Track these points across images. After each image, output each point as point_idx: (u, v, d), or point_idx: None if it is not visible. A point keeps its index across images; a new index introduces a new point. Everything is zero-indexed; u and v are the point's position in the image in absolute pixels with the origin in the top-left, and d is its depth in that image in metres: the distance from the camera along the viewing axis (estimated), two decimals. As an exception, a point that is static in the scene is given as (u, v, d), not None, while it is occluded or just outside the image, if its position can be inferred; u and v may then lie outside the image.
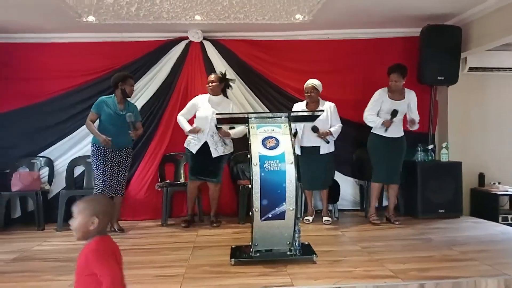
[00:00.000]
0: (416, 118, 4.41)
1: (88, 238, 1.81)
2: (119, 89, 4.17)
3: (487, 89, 5.31)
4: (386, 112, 4.35)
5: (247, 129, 3.26)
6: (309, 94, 4.45)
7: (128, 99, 4.32)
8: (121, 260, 1.86)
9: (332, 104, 4.52)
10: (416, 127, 4.43)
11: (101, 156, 4.14)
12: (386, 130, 4.33)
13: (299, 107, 4.54)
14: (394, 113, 4.28)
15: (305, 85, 4.48)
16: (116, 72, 4.73)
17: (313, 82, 4.46)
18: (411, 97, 4.43)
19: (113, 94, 4.25)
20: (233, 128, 4.44)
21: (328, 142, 4.38)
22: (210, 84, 4.43)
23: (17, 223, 4.82)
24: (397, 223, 4.41)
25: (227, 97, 4.69)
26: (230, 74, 5.07)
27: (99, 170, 4.14)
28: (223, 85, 4.52)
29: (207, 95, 4.50)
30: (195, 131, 4.33)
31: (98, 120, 4.21)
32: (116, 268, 1.76)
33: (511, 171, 5.21)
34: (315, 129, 4.32)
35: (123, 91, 4.17)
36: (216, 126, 4.25)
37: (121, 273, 1.79)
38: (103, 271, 1.71)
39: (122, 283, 1.77)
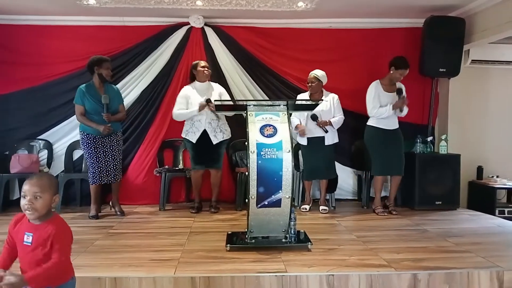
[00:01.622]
0: (406, 109, 4.39)
1: (46, 217, 1.85)
2: (96, 74, 4.09)
3: (489, 82, 5.28)
4: (385, 103, 4.35)
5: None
6: (310, 84, 4.45)
7: (108, 82, 4.22)
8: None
9: (335, 96, 4.52)
10: (404, 113, 4.40)
11: (91, 144, 4.10)
12: (401, 110, 4.33)
13: (303, 97, 4.54)
14: (399, 91, 4.30)
15: (309, 75, 4.48)
16: (115, 56, 4.74)
17: (315, 72, 4.45)
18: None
19: (91, 81, 4.16)
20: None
21: (326, 132, 4.37)
22: (208, 69, 4.41)
23: (16, 205, 4.82)
24: (394, 213, 4.43)
25: (219, 82, 4.67)
26: (231, 61, 5.08)
27: (91, 158, 4.12)
28: None
29: (192, 85, 4.45)
30: (203, 106, 4.22)
31: None
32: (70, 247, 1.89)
33: (510, 164, 5.21)
34: (314, 117, 4.32)
35: (100, 76, 4.08)
36: (206, 100, 4.21)
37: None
38: (62, 249, 1.81)
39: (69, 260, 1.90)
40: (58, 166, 4.93)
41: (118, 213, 4.32)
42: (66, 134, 4.99)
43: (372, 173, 4.57)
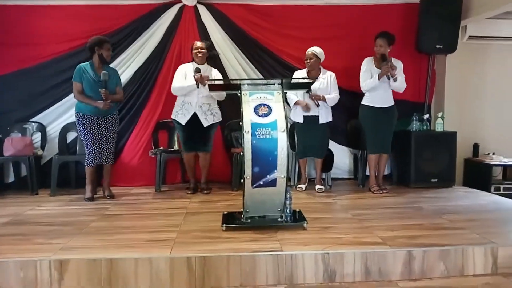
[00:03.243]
0: (402, 83, 4.32)
1: None
2: (96, 54, 4.04)
3: (486, 59, 5.24)
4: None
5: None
6: (308, 61, 4.41)
7: (108, 64, 4.18)
8: None
9: (333, 74, 4.49)
10: (398, 83, 4.28)
11: (87, 125, 4.07)
12: (388, 77, 4.23)
13: (300, 74, 4.49)
14: (383, 57, 4.22)
15: (306, 51, 4.43)
16: (107, 36, 4.63)
17: (313, 49, 4.40)
18: (398, 65, 4.35)
19: (91, 60, 4.11)
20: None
21: (318, 106, 4.34)
22: (201, 51, 4.33)
23: (11, 188, 4.82)
24: (385, 191, 4.44)
25: (213, 65, 4.57)
26: (225, 40, 4.99)
27: (87, 139, 4.09)
28: (207, 54, 4.43)
29: (190, 64, 4.40)
30: (202, 79, 4.12)
31: None
32: None
33: (506, 141, 5.21)
34: (307, 91, 4.28)
35: (100, 56, 4.04)
36: (196, 69, 4.15)
37: None
38: None
39: None
40: (52, 149, 4.89)
41: (108, 197, 4.29)
42: (59, 116, 4.93)
43: (367, 151, 4.55)
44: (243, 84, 3.23)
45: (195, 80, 4.14)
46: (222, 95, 4.40)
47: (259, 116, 3.11)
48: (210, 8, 4.97)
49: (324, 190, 4.52)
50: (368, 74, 4.36)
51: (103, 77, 3.99)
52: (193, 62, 4.40)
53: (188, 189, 4.54)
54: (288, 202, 3.21)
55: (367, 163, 4.64)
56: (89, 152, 4.11)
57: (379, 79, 4.25)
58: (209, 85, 3.47)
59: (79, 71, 4.05)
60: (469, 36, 5.05)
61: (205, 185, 4.58)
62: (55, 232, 3.14)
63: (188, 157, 4.51)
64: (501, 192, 4.77)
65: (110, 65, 4.37)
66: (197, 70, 4.14)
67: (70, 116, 4.86)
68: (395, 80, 4.24)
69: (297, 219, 3.25)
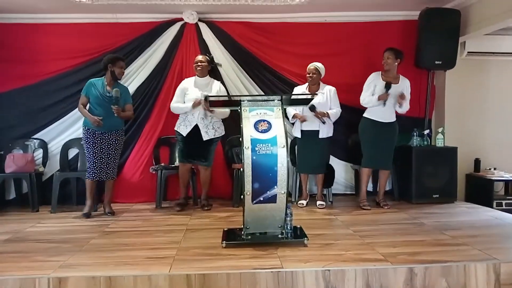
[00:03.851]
0: (406, 107, 4.37)
1: None
2: (109, 71, 4.12)
3: (486, 74, 5.25)
4: (380, 93, 4.32)
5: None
6: (311, 75, 4.43)
7: (119, 81, 4.27)
8: None
9: (332, 88, 4.51)
10: (404, 108, 4.37)
11: (90, 139, 4.11)
12: (384, 104, 4.28)
13: (300, 90, 4.54)
14: (388, 85, 4.24)
15: (308, 67, 4.47)
16: (109, 53, 4.69)
17: (316, 64, 4.45)
18: (405, 84, 4.40)
19: (103, 76, 4.21)
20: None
21: (324, 123, 4.36)
22: (200, 64, 4.38)
23: (12, 204, 4.83)
24: (386, 207, 4.42)
25: (215, 78, 4.59)
26: (226, 56, 5.05)
27: (90, 153, 4.13)
28: (210, 67, 4.48)
29: (193, 78, 4.45)
30: (197, 103, 4.23)
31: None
32: None
33: (507, 156, 5.19)
34: (312, 108, 4.29)
35: (112, 73, 4.11)
36: (205, 98, 4.18)
37: None
38: None
39: None
40: (54, 165, 4.91)
41: (108, 213, 4.28)
42: (61, 133, 4.96)
43: (361, 165, 4.54)
44: (243, 100, 3.25)
45: (203, 109, 4.23)
46: (225, 113, 4.40)
47: (259, 132, 3.12)
48: (211, 25, 5.04)
49: (325, 206, 4.51)
50: (370, 88, 4.38)
51: (115, 94, 4.06)
52: (196, 76, 4.44)
53: (177, 205, 4.47)
54: (288, 218, 3.20)
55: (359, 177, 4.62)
56: (90, 165, 4.14)
57: (378, 99, 4.28)
58: (210, 101, 3.49)
59: (88, 85, 4.15)
60: (468, 52, 5.08)
61: (205, 201, 4.56)
62: (55, 249, 3.13)
63: (183, 169, 4.48)
64: (503, 207, 4.72)
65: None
66: (206, 99, 4.16)
67: (72, 133, 4.90)
68: (400, 106, 4.31)
69: (298, 236, 3.23)
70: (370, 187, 4.94)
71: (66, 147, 4.91)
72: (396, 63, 4.34)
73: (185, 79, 4.56)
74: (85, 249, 3.13)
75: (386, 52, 4.36)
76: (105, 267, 2.72)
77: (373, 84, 4.38)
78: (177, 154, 4.53)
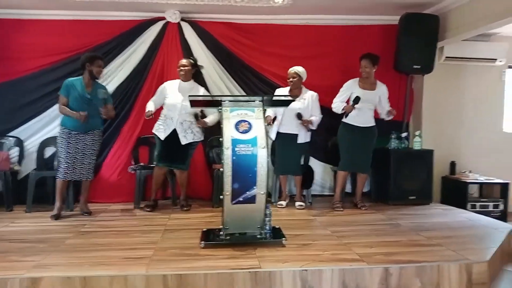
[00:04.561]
0: (393, 113, 4.45)
1: None
2: (87, 70, 4.04)
3: (462, 79, 5.37)
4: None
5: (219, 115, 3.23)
6: (291, 79, 4.46)
7: (98, 80, 4.19)
8: None
9: (314, 94, 4.54)
10: (391, 117, 4.47)
11: (65, 139, 4.02)
12: (346, 115, 4.34)
13: (282, 92, 4.56)
14: (356, 99, 4.28)
15: (288, 71, 4.49)
16: (89, 51, 4.64)
17: (296, 68, 4.47)
18: (382, 89, 4.46)
19: (81, 76, 4.11)
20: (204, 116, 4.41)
21: (309, 131, 4.41)
22: (182, 68, 4.35)
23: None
24: (363, 209, 4.48)
25: (198, 83, 4.54)
26: (208, 57, 5.03)
27: (63, 153, 4.04)
28: (194, 71, 4.45)
29: (177, 81, 4.42)
30: (147, 114, 4.24)
31: None
32: None
33: (482, 160, 5.31)
34: (299, 116, 4.34)
35: (90, 73, 4.03)
36: (194, 115, 4.27)
37: None
38: None
39: None
40: (30, 164, 4.81)
41: (84, 213, 4.21)
42: (38, 131, 4.86)
43: (338, 167, 4.60)
44: (224, 101, 3.25)
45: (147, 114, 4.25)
46: (215, 120, 4.33)
47: (240, 132, 3.13)
48: (194, 25, 5.02)
49: (305, 207, 4.54)
50: (346, 94, 4.45)
51: (103, 96, 4.03)
52: (180, 80, 4.41)
53: (147, 206, 4.45)
54: (267, 218, 3.21)
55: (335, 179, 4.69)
56: (62, 165, 4.05)
57: (342, 110, 4.35)
58: (190, 101, 3.47)
59: (66, 85, 4.04)
60: (446, 57, 5.18)
61: (184, 201, 4.54)
62: (29, 249, 3.07)
63: (159, 172, 4.44)
64: (477, 209, 4.84)
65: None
66: (196, 117, 4.25)
67: (49, 131, 4.81)
68: (388, 116, 4.44)
69: (276, 236, 3.24)
70: (348, 189, 5.00)
71: (42, 145, 4.82)
72: (374, 70, 4.40)
73: (169, 81, 4.50)
74: (60, 249, 3.09)
75: (363, 61, 4.39)
76: (80, 267, 2.69)
77: (349, 91, 4.44)
78: (154, 157, 4.47)
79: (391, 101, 4.59)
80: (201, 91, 4.44)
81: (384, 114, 4.47)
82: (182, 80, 4.39)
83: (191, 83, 4.42)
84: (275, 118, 4.42)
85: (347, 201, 4.65)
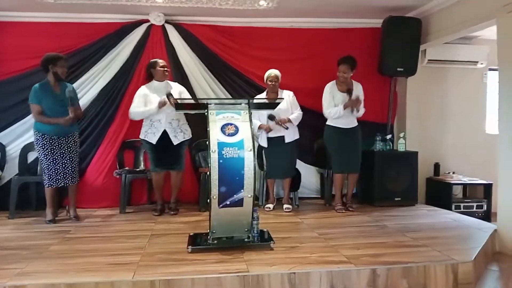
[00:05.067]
0: (362, 110, 4.47)
1: None
2: (51, 72, 3.93)
3: (445, 81, 5.47)
4: (340, 103, 4.41)
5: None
6: (273, 83, 4.47)
7: (63, 80, 4.07)
8: None
9: (290, 93, 4.57)
10: (359, 114, 4.47)
11: (47, 145, 3.93)
12: (352, 111, 4.38)
13: (260, 97, 4.58)
14: (349, 91, 4.34)
15: (268, 74, 4.50)
16: (72, 53, 4.59)
17: (276, 72, 4.50)
18: (359, 88, 4.50)
19: (46, 79, 3.99)
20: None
21: (287, 129, 4.40)
22: (166, 69, 4.34)
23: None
24: (351, 209, 4.52)
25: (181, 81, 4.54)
26: (193, 59, 5.02)
27: (48, 159, 3.95)
28: None
29: (150, 84, 4.35)
30: (162, 102, 4.13)
31: None
32: None
33: (465, 161, 5.40)
34: (271, 117, 4.36)
35: (55, 74, 3.93)
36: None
37: None
38: None
39: None
40: (12, 169, 4.71)
41: (73, 217, 4.15)
42: (20, 135, 4.77)
43: (333, 171, 4.63)
44: (210, 104, 3.23)
45: (160, 104, 4.14)
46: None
47: (226, 135, 3.11)
48: (178, 28, 4.99)
49: (292, 210, 4.54)
50: (331, 100, 4.47)
51: (69, 94, 3.92)
52: (153, 81, 4.34)
53: (155, 211, 4.43)
54: (255, 222, 3.21)
55: (333, 183, 4.71)
56: (50, 172, 3.96)
57: (344, 108, 4.36)
58: (175, 104, 3.45)
59: (36, 92, 3.91)
60: (429, 60, 5.26)
61: (174, 204, 4.50)
62: (12, 256, 3.01)
63: (158, 177, 4.42)
64: (462, 210, 4.91)
65: (74, 83, 4.29)
66: (169, 95, 4.11)
67: (32, 136, 4.64)
68: (358, 110, 4.41)
69: (264, 239, 3.24)
70: (334, 191, 5.02)
71: (25, 150, 4.73)
72: (351, 74, 4.44)
73: (141, 86, 4.41)
74: (44, 255, 3.03)
75: (342, 66, 4.40)
76: (65, 274, 2.64)
77: (331, 96, 4.47)
78: (150, 164, 4.42)
79: (375, 103, 4.64)
80: (176, 86, 4.42)
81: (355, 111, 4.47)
82: (158, 81, 4.32)
83: (165, 82, 4.38)
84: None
85: (333, 203, 4.67)
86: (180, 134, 4.32)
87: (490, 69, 5.53)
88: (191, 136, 4.49)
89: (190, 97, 4.55)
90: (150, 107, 4.20)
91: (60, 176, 4.00)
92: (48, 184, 4.00)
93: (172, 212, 4.42)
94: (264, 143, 4.55)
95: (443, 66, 5.39)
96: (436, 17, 4.84)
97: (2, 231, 3.79)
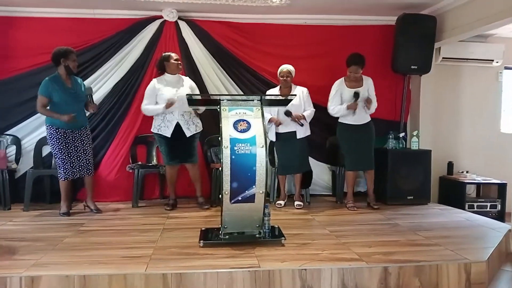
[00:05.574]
0: (374, 106, 4.45)
1: None
2: (62, 65, 3.96)
3: (459, 79, 5.41)
4: (348, 100, 4.40)
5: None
6: (285, 78, 4.47)
7: (74, 74, 4.11)
8: None
9: (304, 89, 4.55)
10: (372, 110, 4.46)
11: (61, 139, 3.97)
12: (354, 113, 4.37)
13: (272, 92, 4.57)
14: (356, 95, 4.32)
15: (280, 69, 4.50)
16: (86, 49, 4.63)
17: (288, 67, 4.48)
18: (368, 83, 4.47)
19: (56, 72, 4.02)
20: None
21: (302, 125, 4.40)
22: (180, 62, 4.37)
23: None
24: (375, 207, 4.50)
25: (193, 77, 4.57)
26: (205, 55, 5.03)
27: (62, 153, 3.98)
28: None
29: (162, 77, 4.36)
30: (170, 103, 4.16)
31: (49, 104, 3.98)
32: None
33: (479, 160, 5.34)
34: (288, 113, 4.34)
35: (67, 68, 3.95)
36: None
37: None
38: None
39: None
40: (27, 162, 4.79)
41: (94, 210, 4.20)
42: (35, 129, 4.83)
43: (345, 168, 4.61)
44: (222, 100, 3.25)
45: (167, 104, 4.18)
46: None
47: (238, 131, 3.12)
48: (191, 24, 5.01)
49: (303, 206, 4.54)
50: (337, 97, 4.46)
51: (88, 92, 4.02)
52: (165, 74, 4.35)
53: (167, 205, 4.46)
54: (266, 218, 3.21)
55: (345, 180, 4.70)
56: (65, 166, 4.01)
57: (348, 109, 4.36)
58: (188, 100, 3.47)
59: (47, 85, 3.94)
60: (443, 58, 5.21)
61: (202, 198, 4.52)
62: (27, 247, 3.06)
63: (171, 171, 4.44)
64: (475, 209, 4.86)
65: (88, 79, 4.33)
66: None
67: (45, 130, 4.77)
68: (369, 108, 4.40)
69: (275, 235, 3.25)
70: (346, 188, 4.99)
71: (40, 144, 4.79)
72: (361, 71, 4.41)
73: (153, 79, 4.44)
74: (59, 247, 3.07)
75: (352, 67, 4.36)
76: (79, 266, 2.67)
77: (339, 93, 4.46)
78: (164, 158, 4.45)
79: (388, 101, 4.60)
80: (188, 80, 4.46)
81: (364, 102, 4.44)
82: (171, 74, 4.33)
83: (178, 76, 4.40)
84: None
85: (344, 200, 4.66)
86: (192, 126, 4.35)
87: (506, 68, 5.46)
88: (202, 128, 4.50)
89: (200, 93, 4.58)
90: (159, 106, 4.24)
91: (76, 169, 4.05)
92: (64, 177, 4.04)
93: (205, 207, 4.43)
94: (273, 137, 4.55)
95: (457, 64, 5.33)
96: (451, 15, 4.78)
97: (17, 223, 3.86)
